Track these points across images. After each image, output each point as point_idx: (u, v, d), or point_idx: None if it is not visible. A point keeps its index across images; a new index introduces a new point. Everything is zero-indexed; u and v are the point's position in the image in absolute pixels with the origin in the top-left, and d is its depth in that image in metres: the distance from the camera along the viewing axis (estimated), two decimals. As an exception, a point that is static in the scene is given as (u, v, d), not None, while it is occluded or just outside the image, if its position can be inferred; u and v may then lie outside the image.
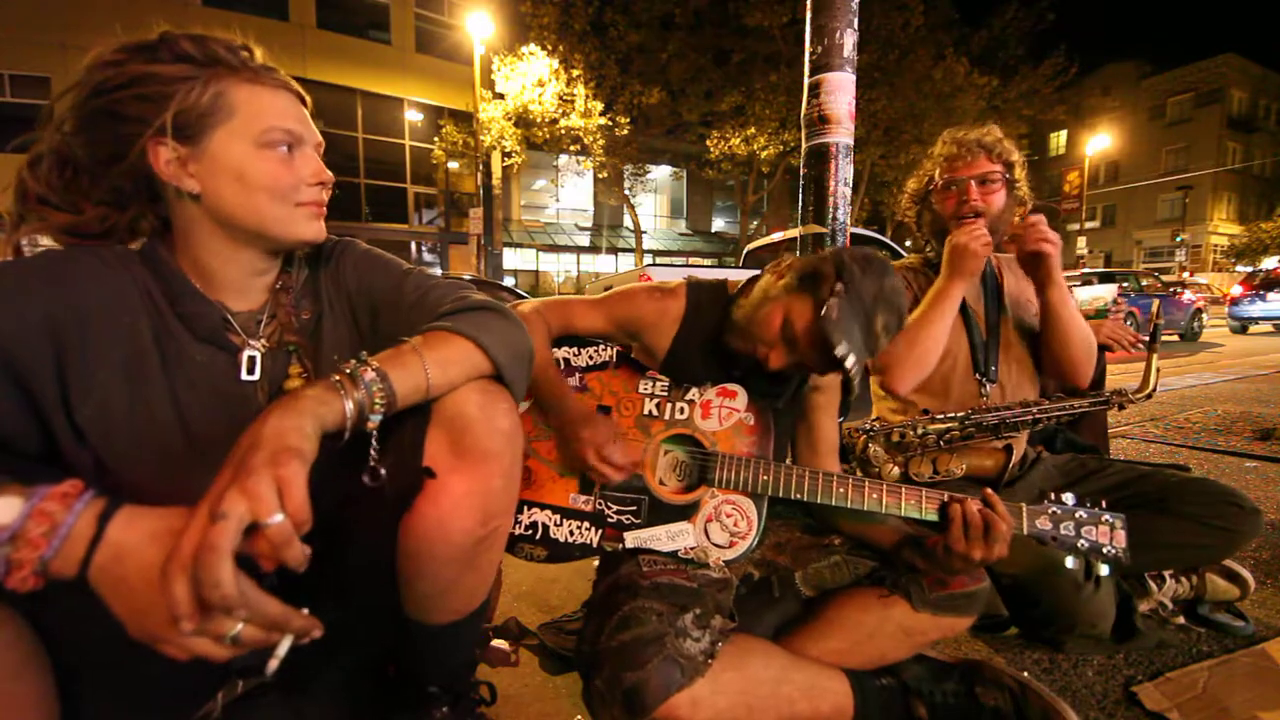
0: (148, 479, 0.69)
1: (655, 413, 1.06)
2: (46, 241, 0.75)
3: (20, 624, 0.58)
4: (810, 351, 0.93)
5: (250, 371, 0.77)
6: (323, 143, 0.80)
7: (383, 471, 0.68)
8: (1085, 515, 0.93)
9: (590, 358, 1.10)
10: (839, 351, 0.86)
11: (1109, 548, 0.91)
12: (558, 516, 1.02)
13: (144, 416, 0.70)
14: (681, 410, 1.05)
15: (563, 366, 1.10)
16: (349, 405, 0.62)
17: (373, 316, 0.85)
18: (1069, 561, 0.94)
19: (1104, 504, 0.94)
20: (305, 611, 0.54)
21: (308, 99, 0.80)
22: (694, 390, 1.05)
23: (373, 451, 0.68)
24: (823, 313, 0.88)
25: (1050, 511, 0.93)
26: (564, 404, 1.02)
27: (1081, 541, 0.92)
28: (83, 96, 0.69)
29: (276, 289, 0.82)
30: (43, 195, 0.72)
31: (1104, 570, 0.93)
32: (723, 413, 1.04)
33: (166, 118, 0.68)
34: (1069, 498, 0.95)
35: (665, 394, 1.06)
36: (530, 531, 1.02)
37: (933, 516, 0.93)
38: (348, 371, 0.65)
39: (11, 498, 0.51)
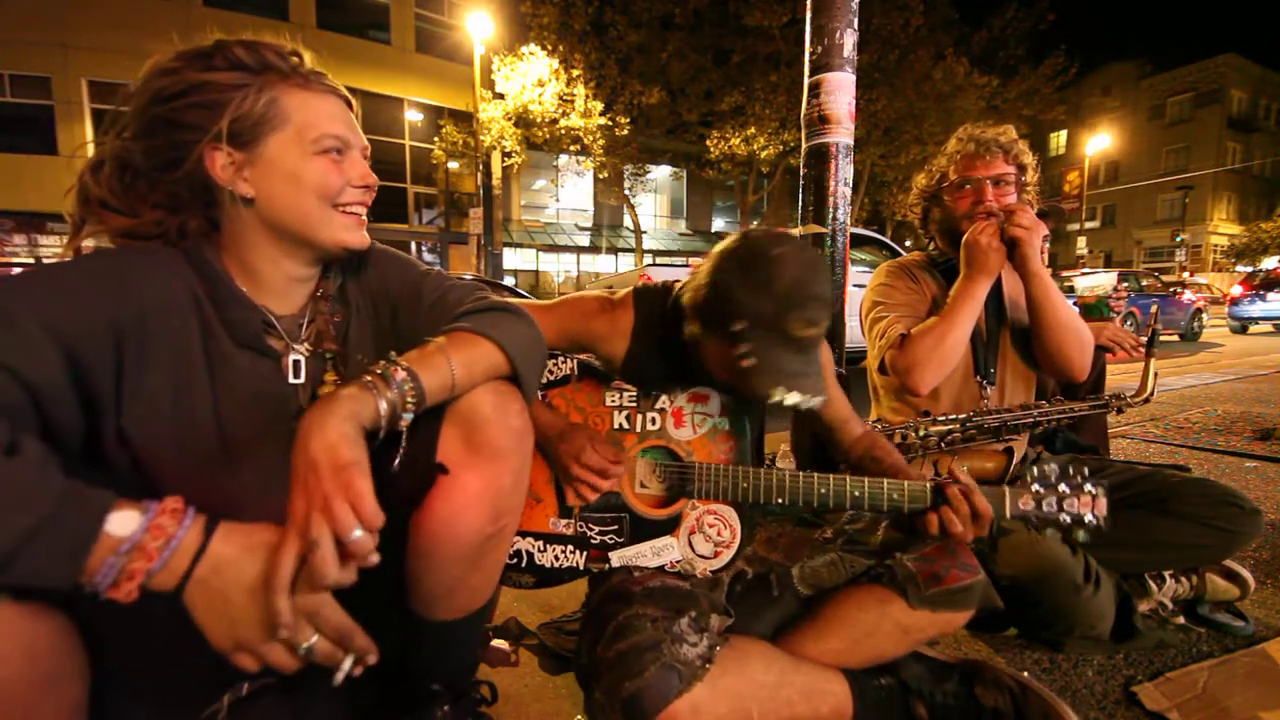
0: (181, 480, 0.69)
1: (626, 425, 1.02)
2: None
3: (73, 635, 0.59)
4: (751, 393, 0.87)
5: (297, 375, 0.78)
6: (368, 146, 0.82)
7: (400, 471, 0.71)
8: (1068, 489, 0.93)
9: (550, 373, 1.04)
10: (776, 399, 0.83)
11: (1090, 517, 0.91)
12: (541, 543, 1.01)
13: (185, 419, 0.71)
14: (653, 421, 1.01)
15: None
16: (383, 405, 0.65)
17: (393, 315, 0.87)
18: (1049, 533, 0.94)
19: (1086, 472, 0.94)
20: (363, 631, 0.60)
21: (354, 103, 0.82)
22: (664, 398, 1.01)
23: (402, 450, 0.71)
24: (742, 366, 0.84)
25: (1033, 490, 0.93)
26: (536, 420, 0.99)
27: (1064, 516, 0.92)
28: (143, 104, 0.71)
29: (317, 296, 0.83)
30: (104, 199, 0.73)
31: (1082, 538, 0.93)
32: (696, 419, 1.01)
33: (223, 125, 0.70)
34: (1053, 469, 0.94)
35: (634, 404, 1.02)
36: (515, 560, 1.01)
37: (919, 507, 0.93)
38: (379, 372, 0.66)
39: (129, 511, 0.53)
